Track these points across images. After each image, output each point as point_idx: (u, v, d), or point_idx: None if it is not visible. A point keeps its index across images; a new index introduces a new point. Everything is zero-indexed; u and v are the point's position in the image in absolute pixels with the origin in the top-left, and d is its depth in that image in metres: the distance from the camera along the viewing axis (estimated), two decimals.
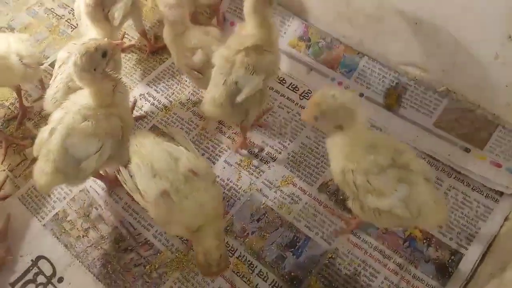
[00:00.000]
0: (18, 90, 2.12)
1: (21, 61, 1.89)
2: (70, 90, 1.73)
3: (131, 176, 1.49)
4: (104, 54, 1.55)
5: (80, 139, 1.55)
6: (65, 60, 1.79)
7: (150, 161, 1.44)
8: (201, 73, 1.82)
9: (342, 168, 1.40)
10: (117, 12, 1.93)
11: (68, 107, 1.60)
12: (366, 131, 1.47)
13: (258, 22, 1.66)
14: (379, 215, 1.39)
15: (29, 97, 2.22)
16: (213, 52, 1.72)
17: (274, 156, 1.91)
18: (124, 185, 1.51)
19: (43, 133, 1.59)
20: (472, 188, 1.76)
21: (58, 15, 2.50)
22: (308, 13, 2.16)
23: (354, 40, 2.06)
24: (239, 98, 1.61)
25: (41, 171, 1.55)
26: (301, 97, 2.05)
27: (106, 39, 1.66)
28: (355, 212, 1.48)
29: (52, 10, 2.53)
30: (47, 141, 1.56)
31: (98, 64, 1.54)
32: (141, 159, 1.46)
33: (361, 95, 2.02)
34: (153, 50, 2.28)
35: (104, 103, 1.60)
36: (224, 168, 1.91)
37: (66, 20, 2.47)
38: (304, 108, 1.96)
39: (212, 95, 1.64)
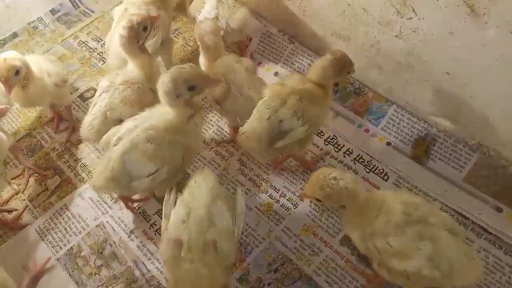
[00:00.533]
0: (68, 107, 2.19)
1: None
2: (107, 119, 1.77)
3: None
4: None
5: (138, 158, 1.58)
6: (105, 89, 1.81)
7: (190, 207, 1.43)
8: (219, 104, 1.81)
9: (360, 235, 1.36)
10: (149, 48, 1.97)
11: (140, 120, 1.64)
12: (373, 196, 1.42)
13: (322, 83, 1.65)
14: (408, 279, 1.31)
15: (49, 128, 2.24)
16: (235, 82, 1.74)
17: (295, 202, 1.85)
18: (163, 206, 1.52)
19: (95, 119, 1.76)
20: (504, 252, 1.65)
21: (91, 48, 2.56)
22: None
23: (383, 87, 2.02)
24: (279, 144, 1.59)
25: (100, 174, 1.63)
26: (326, 143, 2.00)
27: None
28: (383, 276, 1.41)
29: (86, 43, 2.59)
30: (112, 148, 1.61)
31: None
32: (187, 200, 1.46)
33: (388, 144, 1.96)
34: None
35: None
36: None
37: (98, 53, 2.52)
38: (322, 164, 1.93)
39: (253, 127, 1.63)
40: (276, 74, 2.24)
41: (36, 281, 1.77)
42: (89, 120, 1.81)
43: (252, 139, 1.64)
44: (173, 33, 2.50)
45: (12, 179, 2.07)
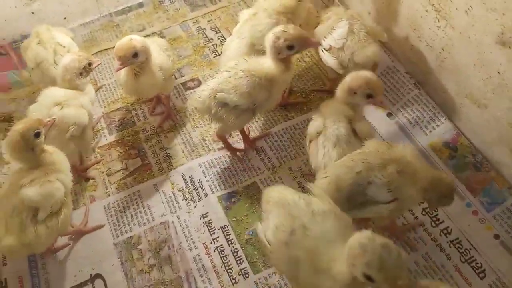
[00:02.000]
0: (168, 95, 2.17)
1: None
2: (214, 98, 1.71)
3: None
4: (37, 134, 1.53)
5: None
6: (228, 69, 1.74)
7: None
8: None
9: None
10: None
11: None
12: None
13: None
14: None
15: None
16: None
17: None
18: None
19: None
20: None
21: (207, 37, 2.51)
22: (464, 121, 1.88)
23: (510, 172, 1.73)
24: (353, 213, 1.40)
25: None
26: (424, 212, 1.76)
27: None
28: None
29: (204, 30, 2.54)
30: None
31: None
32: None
33: (497, 237, 1.67)
34: (285, 103, 2.15)
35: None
36: None
37: (212, 45, 2.46)
38: None
39: (337, 173, 1.45)
40: (390, 115, 2.03)
41: (78, 236, 1.79)
42: (201, 90, 1.76)
43: (331, 187, 1.45)
44: None
45: (98, 148, 2.09)
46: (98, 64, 1.92)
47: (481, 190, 1.77)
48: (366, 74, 1.60)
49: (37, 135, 1.53)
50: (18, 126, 1.52)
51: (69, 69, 1.80)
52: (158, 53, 1.93)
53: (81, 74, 1.83)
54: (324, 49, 1.91)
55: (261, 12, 1.87)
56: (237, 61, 1.75)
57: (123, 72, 1.84)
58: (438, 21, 1.76)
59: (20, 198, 1.49)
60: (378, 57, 1.89)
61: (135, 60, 1.75)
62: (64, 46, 1.99)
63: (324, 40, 1.91)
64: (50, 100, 1.76)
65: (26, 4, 2.42)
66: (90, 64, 1.86)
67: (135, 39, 1.76)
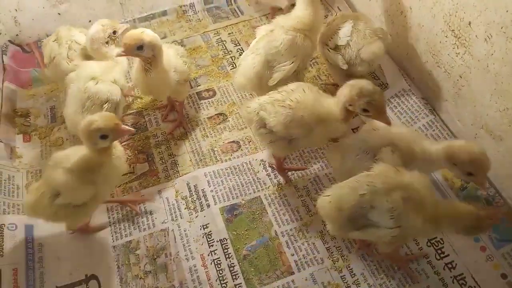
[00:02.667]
0: (181, 102, 2.19)
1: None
2: (257, 115, 1.70)
3: None
4: (103, 137, 1.55)
5: None
6: (285, 92, 1.68)
7: None
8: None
9: None
10: (276, 74, 1.87)
11: None
12: None
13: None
14: None
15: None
16: None
17: None
18: None
19: None
20: None
21: (227, 49, 2.52)
22: None
23: None
24: (354, 234, 1.38)
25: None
26: (429, 244, 1.69)
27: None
28: None
29: (224, 42, 2.56)
30: None
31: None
32: None
33: (504, 276, 1.60)
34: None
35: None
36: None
37: (231, 57, 2.48)
38: None
39: (340, 194, 1.44)
40: None
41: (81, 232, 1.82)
42: (253, 101, 1.74)
43: (332, 206, 1.43)
44: (311, 60, 2.36)
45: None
46: (125, 29, 1.97)
47: (491, 225, 1.69)
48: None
49: (103, 137, 1.55)
50: (94, 121, 1.53)
51: (95, 39, 1.90)
52: (175, 57, 1.96)
53: (107, 42, 1.92)
54: (330, 48, 1.95)
55: (278, 28, 1.87)
56: (297, 87, 1.67)
57: (135, 68, 1.88)
58: (457, 47, 1.72)
59: (53, 177, 1.58)
60: (383, 53, 1.92)
61: (139, 52, 1.76)
62: (80, 44, 2.04)
63: (330, 40, 1.95)
64: (86, 73, 1.85)
65: (53, 6, 2.49)
66: (115, 32, 1.94)
67: (146, 33, 1.76)
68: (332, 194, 1.46)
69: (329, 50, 1.96)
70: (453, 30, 1.71)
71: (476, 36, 1.61)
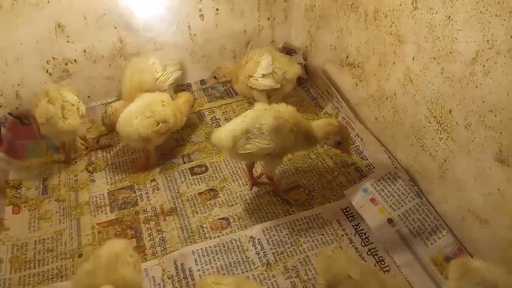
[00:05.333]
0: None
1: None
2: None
3: None
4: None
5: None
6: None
7: None
8: None
9: None
10: (249, 146, 1.95)
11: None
12: None
13: None
14: None
15: None
16: None
17: None
18: None
19: None
20: None
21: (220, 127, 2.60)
22: (466, 236, 1.82)
23: None
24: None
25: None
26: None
27: None
28: None
29: (218, 120, 2.65)
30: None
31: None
32: None
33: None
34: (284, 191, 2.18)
35: None
36: None
37: None
38: None
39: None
40: (390, 221, 1.97)
41: None
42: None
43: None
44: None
45: (97, 225, 2.10)
46: None
47: None
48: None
49: None
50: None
51: None
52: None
53: None
54: (257, 78, 2.43)
55: (273, 110, 1.97)
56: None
57: None
58: (440, 133, 1.79)
59: None
60: (301, 72, 2.58)
61: None
62: (73, 105, 2.25)
63: (255, 73, 2.44)
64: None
65: (55, 81, 2.60)
66: None
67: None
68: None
69: (257, 80, 2.43)
70: (435, 116, 1.80)
71: (457, 123, 1.69)
